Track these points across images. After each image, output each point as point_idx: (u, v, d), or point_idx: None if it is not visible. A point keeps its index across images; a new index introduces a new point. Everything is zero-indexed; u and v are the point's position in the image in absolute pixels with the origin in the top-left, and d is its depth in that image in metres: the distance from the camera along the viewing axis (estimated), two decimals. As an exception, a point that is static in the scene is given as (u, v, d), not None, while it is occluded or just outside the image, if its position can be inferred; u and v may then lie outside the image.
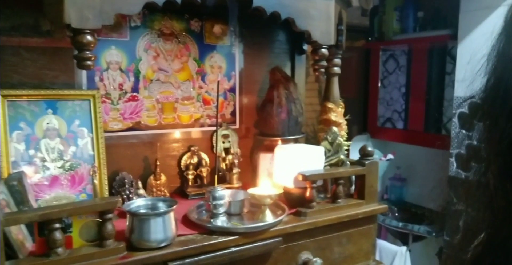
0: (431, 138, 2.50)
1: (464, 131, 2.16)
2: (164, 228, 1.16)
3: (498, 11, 1.95)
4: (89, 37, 1.07)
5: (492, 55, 0.36)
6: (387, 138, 2.81)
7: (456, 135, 2.21)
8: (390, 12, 2.57)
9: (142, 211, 1.24)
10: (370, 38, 2.77)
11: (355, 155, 1.65)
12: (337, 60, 1.58)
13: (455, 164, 2.23)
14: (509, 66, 0.34)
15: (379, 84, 2.82)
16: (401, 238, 2.63)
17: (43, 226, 1.04)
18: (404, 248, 2.40)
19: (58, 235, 1.02)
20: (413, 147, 2.64)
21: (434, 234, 2.40)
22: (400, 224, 2.51)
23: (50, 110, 1.34)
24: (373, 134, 2.87)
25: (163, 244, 1.16)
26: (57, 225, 1.02)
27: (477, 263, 0.37)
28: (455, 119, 2.21)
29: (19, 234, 1.08)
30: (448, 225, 2.27)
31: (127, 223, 1.17)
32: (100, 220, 1.11)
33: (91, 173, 1.32)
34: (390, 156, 2.65)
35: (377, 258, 1.66)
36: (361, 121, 2.94)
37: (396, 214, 2.65)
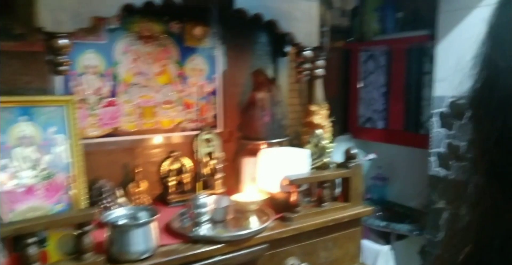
0: (411, 137, 2.52)
1: (443, 130, 2.19)
2: (146, 239, 1.13)
3: (476, 11, 1.97)
4: (63, 41, 1.02)
5: (478, 58, 0.36)
6: (368, 138, 2.82)
7: (435, 134, 2.23)
8: (370, 12, 2.57)
9: (122, 221, 1.20)
10: (350, 39, 2.77)
11: (338, 156, 1.64)
12: (321, 62, 1.56)
13: (435, 163, 2.24)
14: (494, 69, 0.34)
15: (360, 84, 2.83)
16: (384, 237, 2.64)
17: (18, 240, 0.98)
18: (387, 247, 2.41)
19: (32, 250, 0.97)
20: (394, 146, 2.66)
21: (416, 232, 2.42)
22: (383, 223, 2.53)
23: (24, 117, 1.28)
24: (354, 134, 2.88)
25: (145, 256, 1.12)
26: (32, 240, 0.97)
27: (466, 263, 0.36)
28: (435, 119, 2.23)
29: (-8, 249, 1.02)
30: (429, 223, 2.29)
31: (107, 235, 1.13)
32: (78, 231, 1.06)
33: (68, 182, 1.27)
34: (371, 156, 2.66)
35: (360, 257, 1.66)
36: (342, 121, 2.94)
37: (379, 213, 2.66)
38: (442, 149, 2.21)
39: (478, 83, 0.36)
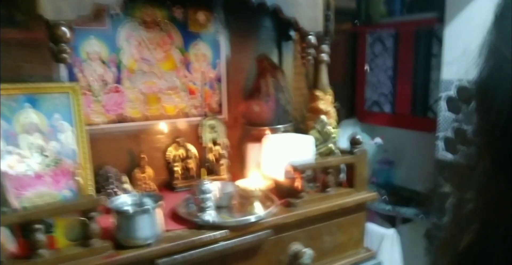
0: (418, 121, 2.50)
1: (451, 114, 2.17)
2: (151, 225, 1.14)
3: (485, -7, 1.92)
4: (65, 29, 1.01)
5: (485, 44, 0.36)
6: (374, 122, 2.80)
7: (443, 117, 2.21)
8: (377, -6, 2.52)
9: (128, 207, 1.21)
10: (356, 21, 2.73)
11: (343, 140, 1.63)
12: (325, 47, 1.54)
13: (442, 147, 2.23)
14: (500, 58, 0.34)
15: (367, 67, 2.80)
16: (389, 221, 2.65)
17: (25, 226, 1.00)
18: (392, 230, 2.42)
19: (40, 236, 0.99)
20: (401, 130, 2.64)
21: (421, 216, 2.42)
22: (388, 207, 2.53)
23: (28, 105, 1.28)
24: (361, 117, 2.86)
25: (150, 241, 1.13)
26: (39, 226, 0.99)
27: (470, 249, 0.37)
28: (442, 102, 2.21)
29: (1, 236, 1.04)
30: (434, 207, 2.29)
31: (113, 221, 1.14)
32: (84, 218, 1.08)
33: (73, 169, 1.28)
34: (378, 140, 2.65)
35: (366, 241, 1.67)
36: (349, 105, 2.92)
37: (384, 197, 2.66)
38: (449, 133, 2.19)
39: (484, 72, 0.36)
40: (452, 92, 2.15)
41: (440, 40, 2.23)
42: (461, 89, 2.12)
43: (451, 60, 2.14)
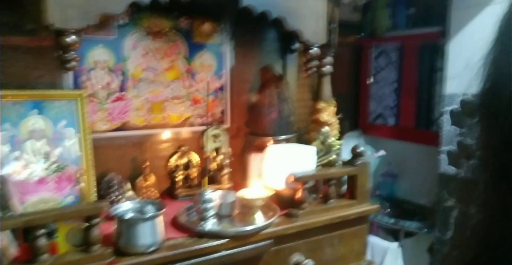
0: (421, 135, 2.50)
1: (455, 128, 2.17)
2: (153, 232, 1.14)
3: (489, 9, 1.94)
4: (73, 38, 1.03)
5: (488, 59, 0.36)
6: (378, 134, 2.81)
7: (446, 131, 2.21)
8: (382, 8, 2.55)
9: (130, 215, 1.22)
10: (362, 34, 2.75)
11: (347, 152, 1.64)
12: (329, 59, 1.56)
13: (445, 161, 2.22)
14: (505, 70, 0.34)
15: (371, 80, 2.81)
16: (392, 234, 2.64)
17: (28, 231, 1.01)
18: (395, 244, 2.40)
19: (42, 241, 1.00)
20: (404, 143, 2.64)
21: (425, 230, 2.40)
22: (392, 220, 2.52)
23: (35, 111, 1.30)
24: (364, 130, 2.86)
25: (151, 249, 1.14)
26: (42, 231, 1.00)
27: (476, 262, 0.37)
28: (446, 116, 2.21)
29: (3, 239, 1.05)
30: (438, 221, 2.28)
31: (115, 227, 1.15)
32: (86, 224, 1.09)
33: (78, 175, 1.29)
34: (381, 152, 2.65)
35: (369, 254, 1.66)
36: (353, 117, 2.93)
37: (388, 210, 2.65)
38: (452, 147, 2.18)
39: (487, 85, 0.36)
40: (456, 106, 2.15)
41: (443, 54, 2.24)
42: (465, 104, 2.12)
43: (455, 75, 2.15)
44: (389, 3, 2.54)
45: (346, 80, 2.87)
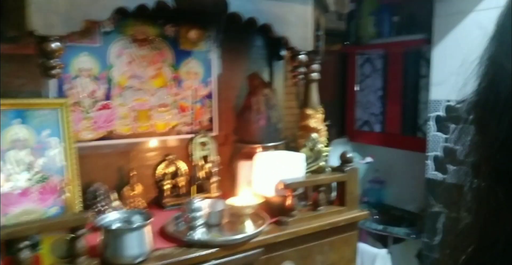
0: (407, 141, 2.52)
1: (440, 134, 2.19)
2: (140, 243, 1.12)
3: (472, 16, 1.97)
4: (55, 45, 1.01)
5: (484, 59, 0.36)
6: (365, 141, 2.82)
7: (432, 137, 2.23)
8: (366, 16, 2.58)
9: (116, 225, 1.19)
10: (347, 42, 2.78)
11: (334, 159, 1.64)
12: (316, 66, 1.56)
13: (432, 166, 2.24)
14: (500, 70, 0.34)
15: (357, 88, 2.83)
16: (381, 240, 2.64)
17: (11, 243, 0.98)
18: (384, 250, 2.40)
19: (26, 254, 0.97)
20: (391, 150, 2.66)
21: (413, 236, 2.41)
22: (380, 227, 2.52)
23: (18, 120, 1.27)
24: (351, 137, 2.88)
25: (139, 260, 1.11)
26: (25, 244, 0.97)
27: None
28: (431, 122, 2.23)
29: (-16, 254, 1.01)
30: (426, 226, 2.29)
31: (101, 238, 1.12)
32: (71, 235, 1.06)
33: (62, 186, 1.26)
34: (368, 159, 2.66)
35: (358, 261, 1.65)
36: (339, 124, 2.94)
37: (376, 217, 2.65)
38: (438, 153, 2.20)
39: (483, 84, 0.35)
40: (441, 112, 2.18)
41: (428, 62, 2.28)
42: (449, 110, 2.15)
43: (440, 81, 2.18)
44: (373, 11, 2.57)
45: (332, 88, 2.89)
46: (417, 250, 2.43)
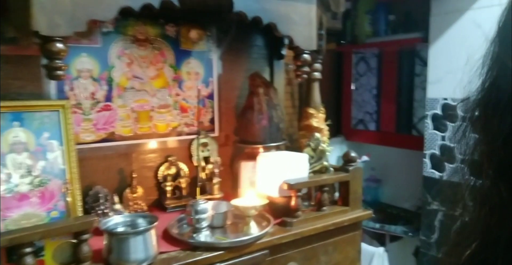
0: (403, 139, 2.53)
1: (437, 132, 2.20)
2: (145, 247, 1.10)
3: (468, 14, 1.98)
4: (60, 45, 0.98)
5: (487, 58, 0.36)
6: (361, 140, 2.82)
7: (429, 135, 2.24)
8: (362, 15, 2.58)
9: (121, 229, 1.17)
10: (343, 41, 2.77)
11: (332, 158, 1.63)
12: (318, 65, 1.56)
13: (428, 164, 2.25)
14: (504, 68, 0.34)
15: (353, 87, 2.83)
16: (378, 239, 2.65)
17: (12, 250, 0.95)
18: (381, 248, 2.41)
19: (29, 260, 0.94)
20: (387, 148, 2.66)
21: (410, 234, 2.42)
22: (377, 225, 2.53)
23: (16, 123, 1.24)
24: (347, 136, 2.88)
25: (144, 264, 1.09)
26: (28, 250, 0.94)
27: (471, 261, 0.37)
28: (428, 121, 2.24)
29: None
30: (423, 224, 2.30)
31: (105, 242, 1.10)
32: (75, 241, 1.03)
33: (63, 190, 1.23)
34: (364, 158, 2.67)
35: (360, 261, 1.66)
36: (335, 123, 2.94)
37: (373, 215, 2.65)
38: (435, 151, 2.21)
39: (487, 82, 0.36)
40: (438, 110, 2.19)
41: (422, 59, 2.28)
42: (446, 108, 2.16)
43: (436, 79, 2.19)
44: (369, 10, 2.57)
45: (327, 87, 2.88)
46: (414, 248, 2.44)
